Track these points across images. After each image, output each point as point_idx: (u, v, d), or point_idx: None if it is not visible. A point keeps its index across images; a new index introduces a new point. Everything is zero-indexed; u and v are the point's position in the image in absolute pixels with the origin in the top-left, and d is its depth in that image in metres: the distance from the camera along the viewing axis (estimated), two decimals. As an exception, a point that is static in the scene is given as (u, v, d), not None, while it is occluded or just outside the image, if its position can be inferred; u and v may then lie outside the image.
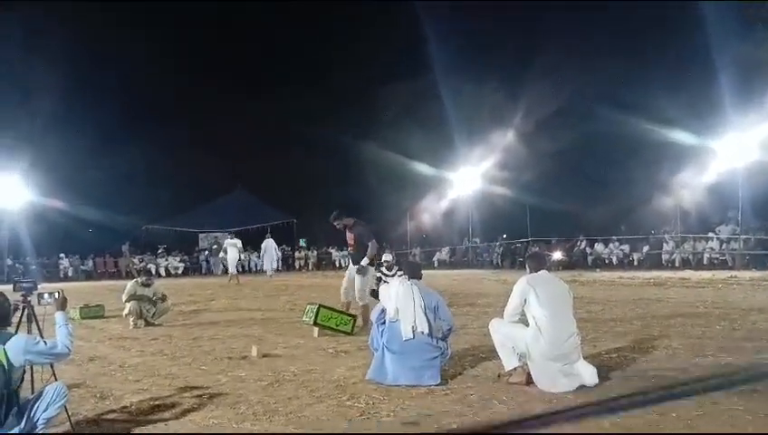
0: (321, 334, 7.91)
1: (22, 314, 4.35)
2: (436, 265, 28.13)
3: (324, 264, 30.41)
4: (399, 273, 7.41)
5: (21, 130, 24.40)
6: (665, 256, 22.16)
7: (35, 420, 3.82)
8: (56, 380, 4.20)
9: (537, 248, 22.79)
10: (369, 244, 8.49)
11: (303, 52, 38.54)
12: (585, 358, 5.21)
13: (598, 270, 21.18)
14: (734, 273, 16.73)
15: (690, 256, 21.61)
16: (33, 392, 4.05)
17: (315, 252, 30.93)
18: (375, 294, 6.37)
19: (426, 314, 5.43)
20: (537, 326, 5.02)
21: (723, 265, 19.99)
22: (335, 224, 8.82)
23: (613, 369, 5.57)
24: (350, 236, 8.77)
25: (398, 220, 30.76)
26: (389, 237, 30.32)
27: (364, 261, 8.45)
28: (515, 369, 5.17)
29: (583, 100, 24.35)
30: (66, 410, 4.20)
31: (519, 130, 25.85)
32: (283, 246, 30.55)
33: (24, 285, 4.43)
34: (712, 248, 21.01)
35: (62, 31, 28.05)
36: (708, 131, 20.34)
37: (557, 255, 22.44)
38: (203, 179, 34.47)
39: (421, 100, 28.56)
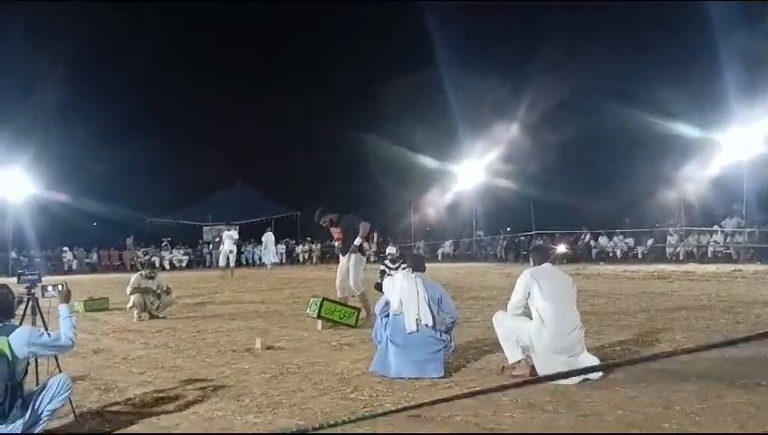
0: (324, 327, 7.93)
1: (26, 307, 4.38)
2: (440, 258, 28.12)
3: (328, 257, 30.41)
4: (403, 266, 7.42)
5: (24, 124, 24.50)
6: (669, 250, 22.06)
7: (40, 412, 3.84)
8: (61, 372, 4.22)
9: (541, 241, 22.82)
10: (360, 225, 8.50)
11: (306, 50, 38.55)
12: (589, 351, 5.21)
13: (602, 263, 21.14)
14: (738, 266, 16.67)
15: (694, 250, 21.51)
16: (38, 384, 4.07)
17: (319, 245, 30.98)
18: (379, 286, 6.36)
19: (429, 306, 5.42)
20: (541, 319, 5.02)
21: (727, 258, 19.90)
22: (321, 223, 8.85)
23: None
24: (335, 231, 8.81)
25: (402, 213, 30.80)
26: (393, 230, 30.42)
27: (357, 240, 8.47)
28: (519, 362, 5.18)
29: (588, 93, 24.18)
30: (70, 403, 4.22)
31: (523, 122, 25.79)
32: (287, 239, 30.64)
33: (29, 277, 4.45)
34: (716, 242, 20.90)
35: (67, 27, 28.15)
36: (713, 124, 20.21)
37: (561, 248, 22.39)
38: (206, 173, 34.69)
39: (425, 93, 28.56)
